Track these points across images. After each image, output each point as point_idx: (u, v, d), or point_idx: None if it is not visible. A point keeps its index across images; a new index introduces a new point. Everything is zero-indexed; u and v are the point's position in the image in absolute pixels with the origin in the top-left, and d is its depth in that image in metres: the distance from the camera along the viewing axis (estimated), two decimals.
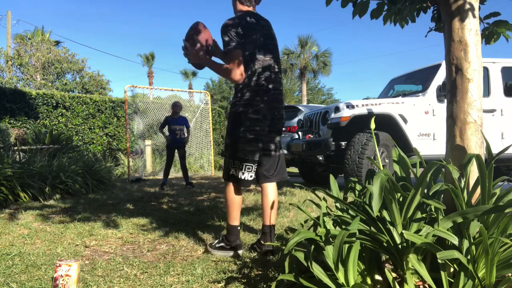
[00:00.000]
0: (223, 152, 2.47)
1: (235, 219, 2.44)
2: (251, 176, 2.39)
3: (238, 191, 2.44)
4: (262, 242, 2.41)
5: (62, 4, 64.38)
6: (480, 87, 1.76)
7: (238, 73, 2.30)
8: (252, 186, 6.30)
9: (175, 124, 6.51)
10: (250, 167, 2.37)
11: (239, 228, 2.46)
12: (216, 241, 2.50)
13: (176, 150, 6.67)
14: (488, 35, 2.35)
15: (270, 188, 2.47)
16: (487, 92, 5.76)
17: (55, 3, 63.36)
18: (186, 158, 6.95)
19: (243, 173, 2.36)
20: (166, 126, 6.60)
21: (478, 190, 1.52)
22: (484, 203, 1.48)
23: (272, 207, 2.44)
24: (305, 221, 2.14)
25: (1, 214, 3.78)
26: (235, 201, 2.42)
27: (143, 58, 33.82)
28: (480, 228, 1.27)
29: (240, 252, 2.42)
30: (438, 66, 5.80)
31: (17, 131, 8.82)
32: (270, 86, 2.37)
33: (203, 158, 10.94)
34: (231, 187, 2.43)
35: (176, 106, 6.59)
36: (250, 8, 2.45)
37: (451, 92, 1.81)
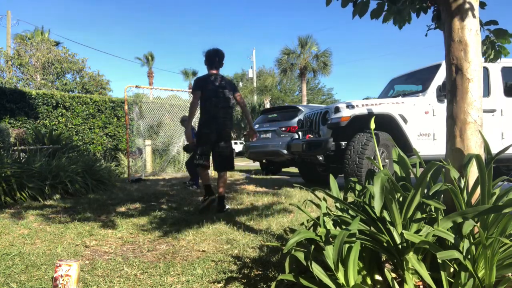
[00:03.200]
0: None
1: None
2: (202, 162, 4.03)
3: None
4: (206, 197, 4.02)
5: (62, 4, 64.39)
6: (480, 87, 1.76)
7: (192, 104, 4.06)
8: (251, 188, 6.30)
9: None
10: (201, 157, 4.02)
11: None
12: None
13: None
14: (487, 48, 2.33)
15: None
16: (487, 92, 5.75)
17: (55, 3, 63.39)
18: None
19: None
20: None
21: (478, 190, 1.52)
22: (484, 203, 1.48)
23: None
24: (306, 221, 2.14)
25: (1, 214, 3.78)
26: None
27: (142, 60, 33.88)
28: (478, 227, 1.27)
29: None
30: (438, 66, 5.79)
31: (17, 131, 8.82)
32: (212, 112, 3.98)
33: None
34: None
35: None
36: (213, 71, 4.07)
37: (451, 92, 1.81)
